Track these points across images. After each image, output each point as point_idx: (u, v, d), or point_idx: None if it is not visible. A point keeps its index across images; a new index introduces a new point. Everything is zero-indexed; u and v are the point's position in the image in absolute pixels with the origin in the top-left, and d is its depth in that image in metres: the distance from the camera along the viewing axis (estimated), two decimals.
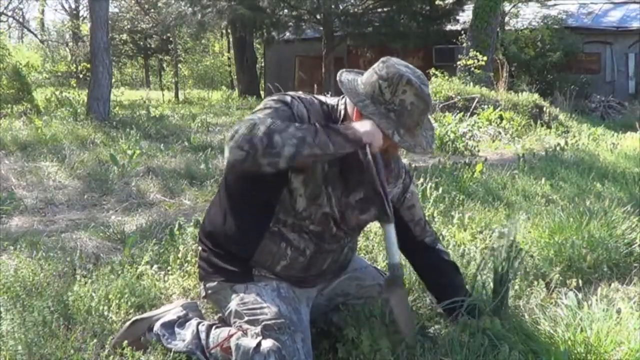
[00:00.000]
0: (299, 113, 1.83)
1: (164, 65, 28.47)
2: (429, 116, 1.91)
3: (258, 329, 1.85)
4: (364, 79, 1.88)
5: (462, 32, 13.96)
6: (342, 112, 1.92)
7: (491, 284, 2.24)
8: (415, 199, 2.17)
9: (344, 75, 1.91)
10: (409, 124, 1.80)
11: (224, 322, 2.07)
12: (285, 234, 1.92)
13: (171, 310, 2.13)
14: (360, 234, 2.32)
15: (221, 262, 2.00)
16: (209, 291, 2.04)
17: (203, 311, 2.33)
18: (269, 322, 1.85)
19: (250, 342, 1.83)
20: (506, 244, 2.23)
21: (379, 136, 1.77)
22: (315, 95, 1.98)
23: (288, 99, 1.86)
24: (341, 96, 1.95)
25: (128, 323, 2.12)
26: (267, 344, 1.81)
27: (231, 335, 1.90)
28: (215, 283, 2.01)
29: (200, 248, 2.11)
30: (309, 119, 1.84)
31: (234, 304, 1.94)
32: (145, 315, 2.16)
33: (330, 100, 1.98)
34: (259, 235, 1.93)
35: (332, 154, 1.73)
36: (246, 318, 1.90)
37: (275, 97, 1.87)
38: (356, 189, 1.95)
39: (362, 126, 1.77)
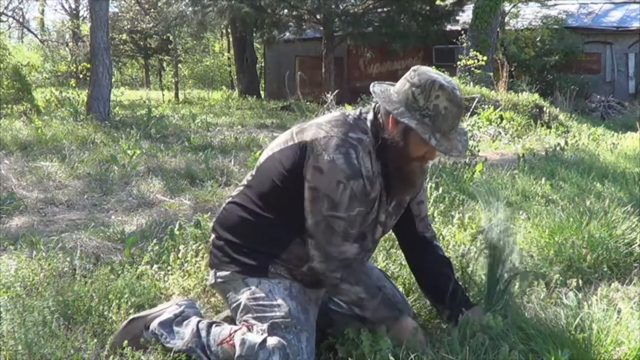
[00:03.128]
0: (367, 173, 1.88)
1: (164, 65, 28.46)
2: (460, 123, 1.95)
3: (265, 326, 1.87)
4: (396, 88, 1.91)
5: (462, 32, 13.95)
6: (383, 123, 1.93)
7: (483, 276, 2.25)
8: (424, 194, 2.23)
9: (377, 87, 1.95)
10: (444, 128, 1.84)
11: (227, 320, 2.07)
12: None
13: (167, 309, 2.12)
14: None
15: (238, 254, 2.00)
16: (219, 279, 2.03)
17: (203, 311, 2.33)
18: (276, 321, 1.87)
19: (256, 338, 1.85)
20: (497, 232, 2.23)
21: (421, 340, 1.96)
22: (364, 117, 1.97)
23: (354, 157, 1.85)
24: (374, 106, 1.98)
25: (125, 322, 2.13)
26: (273, 341, 1.83)
27: (235, 331, 1.90)
28: (228, 272, 2.00)
29: (213, 236, 2.10)
30: (372, 166, 1.90)
31: (244, 297, 1.95)
32: (141, 313, 2.17)
33: (370, 114, 1.97)
34: (290, 239, 1.95)
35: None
36: (255, 314, 1.91)
37: (344, 165, 1.84)
38: (396, 197, 2.04)
39: (405, 336, 1.94)
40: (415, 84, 1.85)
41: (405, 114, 1.84)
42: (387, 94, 1.91)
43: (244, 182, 2.10)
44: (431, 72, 1.88)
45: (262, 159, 2.05)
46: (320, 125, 1.94)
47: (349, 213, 1.86)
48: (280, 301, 1.91)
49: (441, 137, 1.84)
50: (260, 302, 1.92)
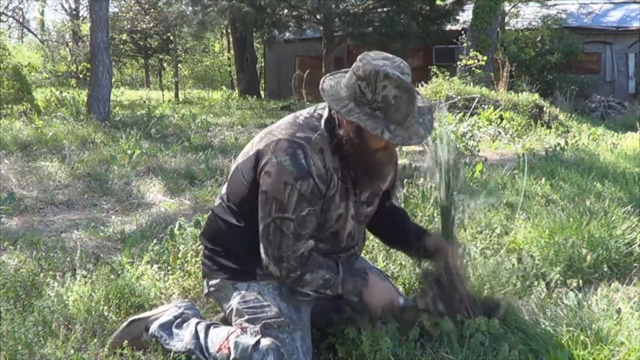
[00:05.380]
0: (318, 172, 1.84)
1: (164, 65, 28.46)
2: (421, 101, 1.88)
3: (257, 327, 1.87)
4: (345, 81, 1.85)
5: (462, 32, 13.96)
6: (337, 120, 1.89)
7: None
8: (397, 176, 2.23)
9: (327, 82, 1.88)
10: (398, 118, 1.77)
11: (225, 321, 2.08)
12: None
13: (167, 311, 2.13)
14: (365, 241, 2.34)
15: (225, 260, 2.01)
16: (212, 288, 2.05)
17: (202, 311, 2.33)
18: (268, 321, 1.87)
19: (249, 340, 1.84)
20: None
21: (393, 298, 1.99)
22: (318, 115, 1.94)
23: (301, 157, 1.82)
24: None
25: (125, 323, 2.13)
26: (266, 342, 1.82)
27: (231, 333, 1.90)
28: (218, 280, 2.02)
29: (202, 247, 2.13)
30: (325, 164, 1.86)
31: (235, 302, 1.96)
32: (142, 315, 2.17)
33: (325, 110, 1.94)
34: None
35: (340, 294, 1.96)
36: (247, 317, 1.92)
37: (291, 166, 1.81)
38: (365, 189, 2.02)
39: (378, 298, 1.96)
40: (360, 77, 1.77)
41: (354, 111, 1.77)
42: (337, 89, 1.84)
43: (222, 191, 2.11)
44: (376, 59, 1.79)
45: (232, 168, 2.06)
46: (272, 131, 1.92)
47: (297, 214, 1.82)
48: (270, 301, 1.91)
49: (396, 128, 1.76)
50: (251, 305, 1.92)
